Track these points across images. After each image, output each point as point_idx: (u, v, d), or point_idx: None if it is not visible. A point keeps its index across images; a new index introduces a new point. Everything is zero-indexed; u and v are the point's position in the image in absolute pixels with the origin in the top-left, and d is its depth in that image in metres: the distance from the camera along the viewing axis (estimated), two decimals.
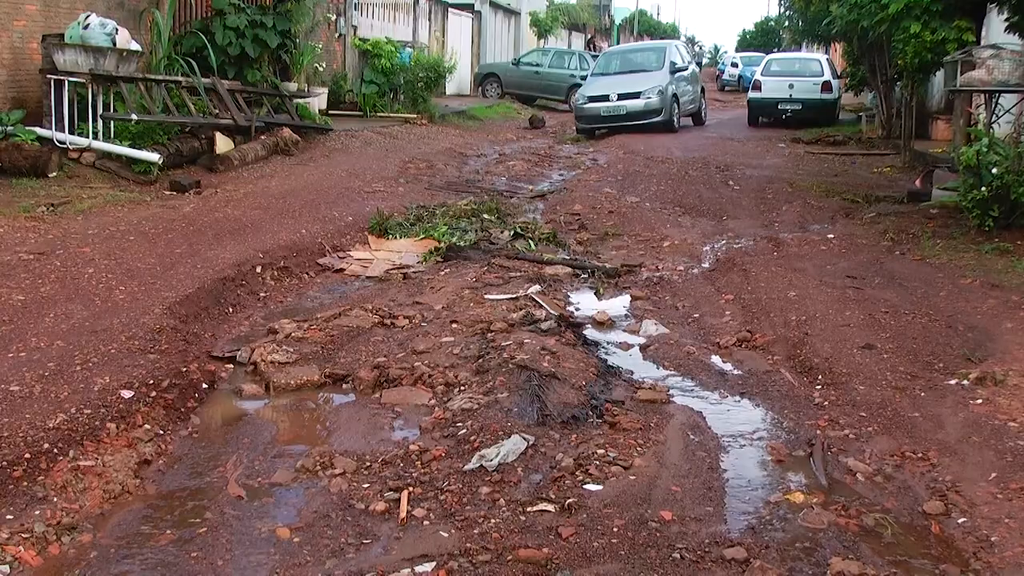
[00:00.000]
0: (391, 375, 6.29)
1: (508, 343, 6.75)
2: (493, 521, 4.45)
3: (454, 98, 29.91)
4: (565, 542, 4.25)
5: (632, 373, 6.67)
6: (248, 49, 15.42)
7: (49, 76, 11.92)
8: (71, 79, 11.86)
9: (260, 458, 5.19)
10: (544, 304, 7.90)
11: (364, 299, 8.05)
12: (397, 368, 6.37)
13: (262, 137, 14.67)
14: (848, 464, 5.23)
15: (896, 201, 13.42)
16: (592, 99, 22.92)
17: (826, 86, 26.90)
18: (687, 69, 24.82)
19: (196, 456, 5.23)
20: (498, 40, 40.63)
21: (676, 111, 23.33)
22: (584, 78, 32.35)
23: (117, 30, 12.50)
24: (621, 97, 22.51)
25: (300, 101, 17.14)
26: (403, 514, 4.54)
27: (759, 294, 8.33)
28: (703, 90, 26.89)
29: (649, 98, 22.48)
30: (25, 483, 4.49)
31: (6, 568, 3.96)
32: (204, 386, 6.07)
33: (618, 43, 64.29)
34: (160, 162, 12.13)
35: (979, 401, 5.87)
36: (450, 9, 32.35)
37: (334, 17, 21.46)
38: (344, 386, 6.28)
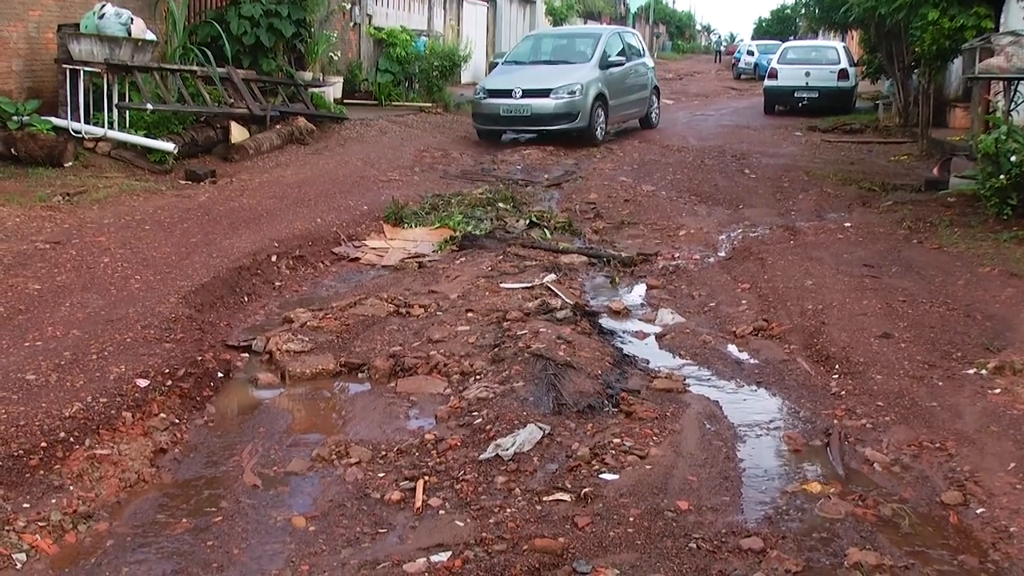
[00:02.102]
0: (406, 364, 6.28)
1: (524, 332, 6.73)
2: (509, 510, 4.44)
3: (469, 87, 29.79)
4: (581, 531, 4.24)
5: (648, 362, 6.65)
6: (263, 38, 15.42)
7: (64, 66, 11.94)
8: (86, 69, 11.88)
9: (276, 447, 5.19)
10: (560, 293, 7.88)
11: (379, 288, 8.04)
12: (412, 357, 6.37)
13: (277, 126, 14.67)
14: (865, 454, 5.20)
15: (913, 189, 13.34)
16: (492, 93, 17.82)
17: (843, 74, 26.77)
18: (625, 64, 19.45)
19: (212, 445, 5.24)
20: (513, 29, 40.53)
21: (602, 117, 18.26)
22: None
23: (132, 20, 12.52)
24: (527, 94, 17.47)
25: (315, 90, 17.14)
26: (419, 503, 4.53)
27: (775, 283, 8.29)
28: (657, 90, 22.04)
29: (560, 98, 17.42)
30: (42, 472, 4.50)
31: (23, 556, 3.97)
32: (220, 375, 6.07)
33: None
34: (175, 151, 12.14)
35: (997, 391, 5.83)
36: (465, 0, 32.28)
37: (349, 6, 21.43)
38: (359, 375, 6.28)
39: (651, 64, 21.93)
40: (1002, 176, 9.88)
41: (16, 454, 4.49)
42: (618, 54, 19.31)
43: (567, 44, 19.79)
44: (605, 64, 18.55)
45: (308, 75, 17.41)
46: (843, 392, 6.04)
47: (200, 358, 6.04)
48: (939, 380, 6.06)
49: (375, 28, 22.71)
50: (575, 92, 17.46)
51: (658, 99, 22.19)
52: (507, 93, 17.64)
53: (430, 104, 21.56)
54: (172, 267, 7.66)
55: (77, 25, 12.23)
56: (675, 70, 54.72)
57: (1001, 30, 13.60)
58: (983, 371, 6.13)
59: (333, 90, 18.56)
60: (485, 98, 17.91)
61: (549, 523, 4.32)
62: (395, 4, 24.87)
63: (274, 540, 4.24)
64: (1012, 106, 12.04)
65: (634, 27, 65.38)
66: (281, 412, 5.74)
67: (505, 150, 17.05)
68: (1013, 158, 9.70)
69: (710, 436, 5.37)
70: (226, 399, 5.88)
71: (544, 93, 17.45)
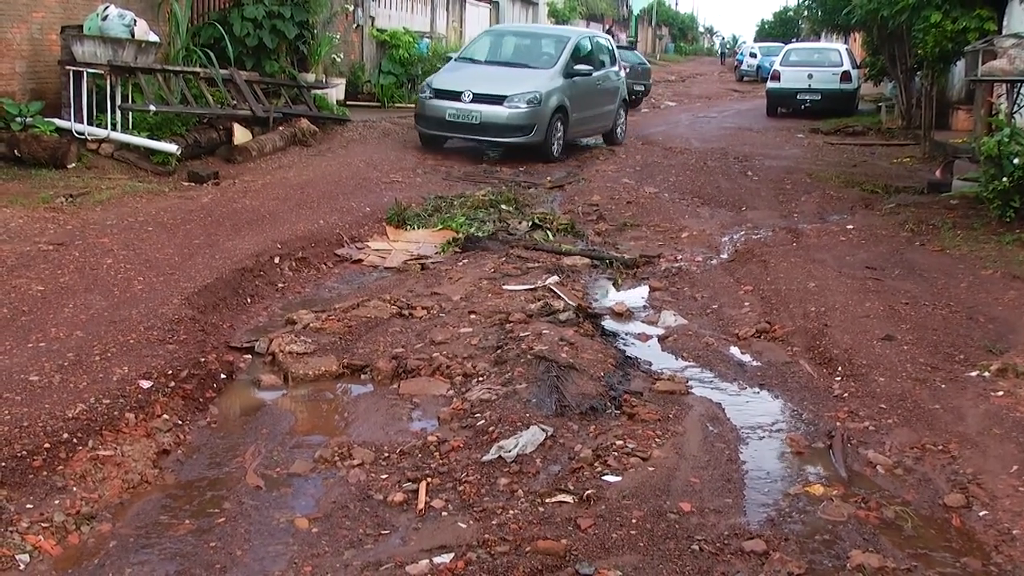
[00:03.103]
0: (409, 366, 6.29)
1: (526, 334, 6.73)
2: (511, 512, 4.44)
3: None
4: (584, 533, 4.24)
5: (651, 364, 6.65)
6: (266, 40, 15.43)
7: (68, 67, 11.95)
8: (90, 70, 11.88)
9: (278, 448, 5.19)
10: (562, 295, 7.89)
11: (382, 290, 8.05)
12: (415, 359, 6.37)
13: (280, 128, 14.67)
14: (868, 456, 5.21)
15: (916, 192, 13.36)
16: (440, 94, 15.65)
17: (845, 76, 26.79)
18: (593, 73, 17.25)
19: (214, 446, 5.24)
20: None
21: (560, 131, 16.14)
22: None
23: (135, 21, 12.52)
24: (478, 99, 15.31)
25: (318, 92, 17.14)
26: (421, 505, 4.53)
27: (778, 285, 8.30)
28: (626, 102, 19.69)
29: (516, 107, 15.26)
30: (45, 473, 4.50)
31: (26, 557, 3.98)
32: (222, 376, 6.07)
33: (635, 35, 63.71)
34: (178, 153, 12.14)
35: (1000, 393, 5.84)
36: (468, 1, 32.28)
37: (352, 8, 21.43)
38: (362, 377, 6.28)
39: (622, 74, 19.91)
40: (1005, 178, 9.88)
41: (19, 455, 4.50)
42: (586, 61, 17.23)
43: (530, 45, 17.62)
44: (570, 72, 16.42)
45: (311, 77, 17.41)
46: (845, 394, 6.05)
47: (203, 359, 6.05)
48: (942, 382, 6.06)
49: (378, 30, 22.71)
50: (533, 101, 15.32)
51: (626, 113, 19.85)
52: (456, 95, 15.47)
53: None
54: (175, 268, 7.67)
55: (80, 27, 12.24)
56: (678, 72, 54.74)
57: (1004, 32, 13.59)
58: (986, 373, 6.14)
59: (336, 92, 18.56)
60: (431, 98, 15.71)
61: (552, 525, 4.33)
62: (398, 6, 24.87)
63: (277, 541, 4.24)
64: (1015, 108, 12.04)
65: (636, 29, 65.53)
66: (284, 413, 5.74)
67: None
68: (1016, 160, 9.71)
69: (712, 438, 5.37)
70: (229, 400, 5.88)
71: (497, 100, 15.30)
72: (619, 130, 19.16)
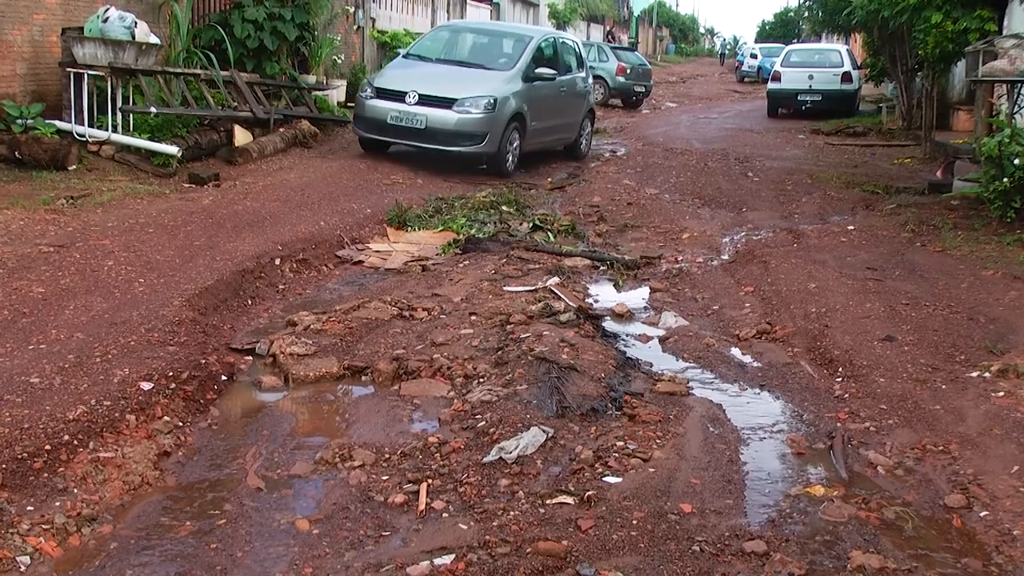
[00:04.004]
0: (410, 367, 6.29)
1: (527, 335, 6.74)
2: (512, 513, 4.44)
3: None
4: (584, 535, 4.24)
5: (651, 365, 6.65)
6: (266, 42, 15.42)
7: (68, 69, 11.95)
8: (90, 72, 11.88)
9: (279, 450, 5.19)
10: (563, 296, 7.89)
11: (383, 291, 8.05)
12: (416, 360, 6.37)
13: (281, 130, 14.67)
14: (868, 457, 5.21)
15: (917, 192, 13.36)
16: (382, 94, 14.06)
17: (846, 77, 26.82)
18: (557, 78, 15.62)
19: (215, 448, 5.24)
20: None
21: (516, 142, 14.47)
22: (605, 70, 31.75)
23: (136, 23, 12.52)
24: (425, 101, 13.66)
25: (319, 94, 17.14)
26: (422, 506, 4.54)
27: (779, 286, 8.30)
28: (592, 112, 17.93)
29: (466, 112, 13.60)
30: (46, 474, 4.50)
31: (27, 559, 3.98)
32: (223, 378, 6.07)
33: (635, 37, 63.57)
34: (179, 155, 12.14)
35: (1001, 393, 5.84)
36: (468, 1, 32.31)
37: (352, 9, 21.44)
38: (363, 378, 6.28)
39: (590, 80, 18.19)
40: (1005, 179, 9.88)
41: (20, 457, 4.50)
42: (549, 64, 15.59)
43: (488, 44, 15.82)
44: (531, 75, 14.80)
45: (312, 78, 17.41)
46: (846, 395, 6.05)
47: (204, 361, 6.05)
48: (942, 383, 6.06)
49: (378, 31, 22.72)
50: (486, 107, 13.68)
51: (592, 124, 18.13)
52: (400, 96, 13.80)
53: None
54: (176, 270, 7.67)
55: (81, 29, 12.24)
56: (678, 73, 54.78)
57: (1004, 33, 13.59)
58: (986, 374, 6.14)
59: (337, 93, 18.57)
60: (372, 98, 14.10)
61: (552, 526, 4.33)
62: (398, 7, 24.88)
63: (277, 543, 4.25)
64: (1015, 109, 12.04)
65: (637, 30, 65.47)
66: (285, 415, 5.74)
67: None
68: (1016, 161, 9.71)
69: (713, 439, 5.37)
70: (230, 402, 5.88)
71: (446, 103, 13.63)
72: (583, 142, 17.54)
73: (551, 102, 15.57)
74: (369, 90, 14.27)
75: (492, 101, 13.76)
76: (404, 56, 15.75)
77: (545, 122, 15.35)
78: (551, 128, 15.80)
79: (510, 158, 14.38)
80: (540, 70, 15.00)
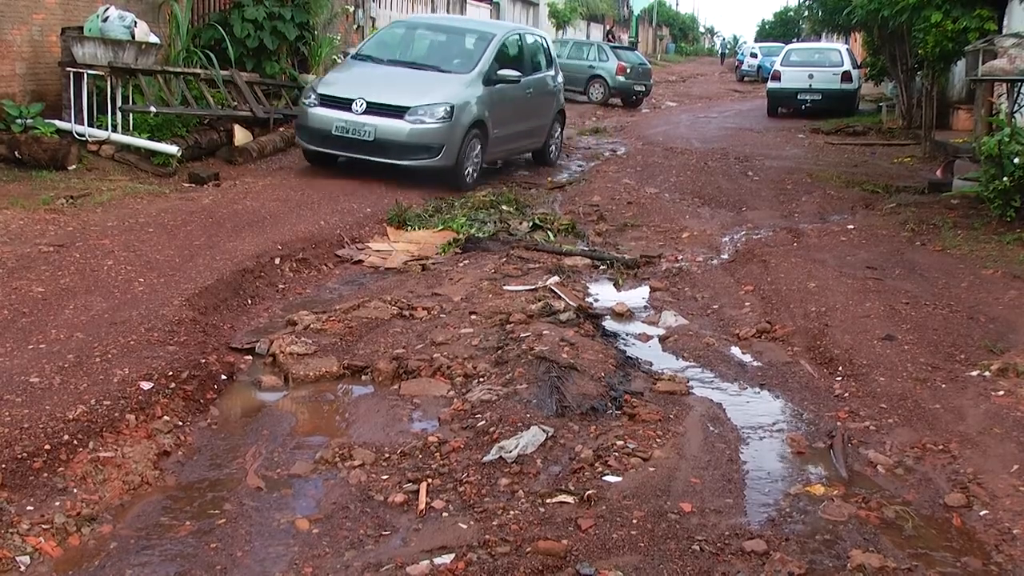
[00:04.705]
0: (410, 366, 6.29)
1: (527, 334, 6.74)
2: (512, 513, 4.44)
3: None
4: (584, 534, 4.24)
5: (651, 364, 6.66)
6: (266, 41, 15.42)
7: (68, 69, 11.95)
8: (90, 72, 11.88)
9: (279, 449, 5.19)
10: (563, 295, 7.89)
11: (383, 290, 8.05)
12: (416, 359, 6.37)
13: (281, 129, 14.67)
14: (868, 456, 5.21)
15: (916, 191, 13.36)
16: (326, 101, 12.63)
17: (846, 76, 26.84)
18: (522, 80, 14.12)
19: (215, 447, 5.24)
20: None
21: (476, 151, 13.08)
22: (603, 70, 31.76)
23: (136, 23, 12.53)
24: (373, 109, 12.26)
25: None
26: (422, 505, 4.53)
27: (779, 285, 8.30)
28: (562, 115, 16.67)
29: (420, 121, 12.22)
30: (45, 474, 4.50)
31: (27, 559, 3.98)
32: (223, 378, 6.07)
33: (635, 36, 63.48)
34: (179, 154, 12.14)
35: (1000, 392, 5.84)
36: (468, 1, 32.32)
37: (352, 9, 21.45)
38: (363, 377, 6.28)
39: (560, 79, 16.65)
40: (1005, 178, 9.89)
41: (20, 457, 4.50)
42: (514, 64, 14.23)
43: (447, 43, 14.33)
44: (493, 78, 13.41)
45: (312, 78, 17.38)
46: (846, 394, 6.05)
47: (204, 361, 6.05)
48: (942, 382, 6.06)
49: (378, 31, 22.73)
50: (442, 115, 12.31)
51: (562, 127, 16.88)
52: (346, 104, 12.40)
53: None
54: (176, 270, 7.67)
55: (81, 28, 12.24)
56: (678, 72, 54.80)
57: (1004, 32, 13.59)
58: (986, 373, 6.14)
59: None
60: (315, 106, 12.65)
61: (552, 525, 4.33)
62: (398, 6, 24.89)
63: (277, 542, 4.25)
64: (1015, 108, 12.04)
65: (637, 29, 65.38)
66: (285, 415, 5.74)
67: None
68: (1016, 160, 9.71)
69: (713, 438, 5.37)
70: (230, 402, 5.88)
71: (397, 111, 12.25)
72: (553, 148, 16.26)
73: (516, 106, 14.18)
74: (312, 96, 12.80)
75: (449, 109, 12.38)
76: (353, 57, 14.25)
77: (510, 128, 14.03)
78: (517, 134, 14.54)
79: (470, 170, 12.96)
80: (503, 71, 13.62)
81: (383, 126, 12.16)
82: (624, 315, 7.84)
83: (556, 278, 8.47)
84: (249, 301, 7.67)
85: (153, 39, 12.89)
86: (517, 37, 15.10)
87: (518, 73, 13.89)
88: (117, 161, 12.00)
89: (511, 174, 14.89)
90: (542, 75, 15.51)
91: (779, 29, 68.37)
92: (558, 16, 43.70)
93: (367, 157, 12.37)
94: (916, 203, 12.24)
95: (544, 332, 6.77)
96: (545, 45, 16.33)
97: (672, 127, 23.34)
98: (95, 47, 11.96)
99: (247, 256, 8.25)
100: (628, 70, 30.34)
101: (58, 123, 11.84)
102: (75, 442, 4.75)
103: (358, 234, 9.90)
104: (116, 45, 12.10)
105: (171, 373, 5.68)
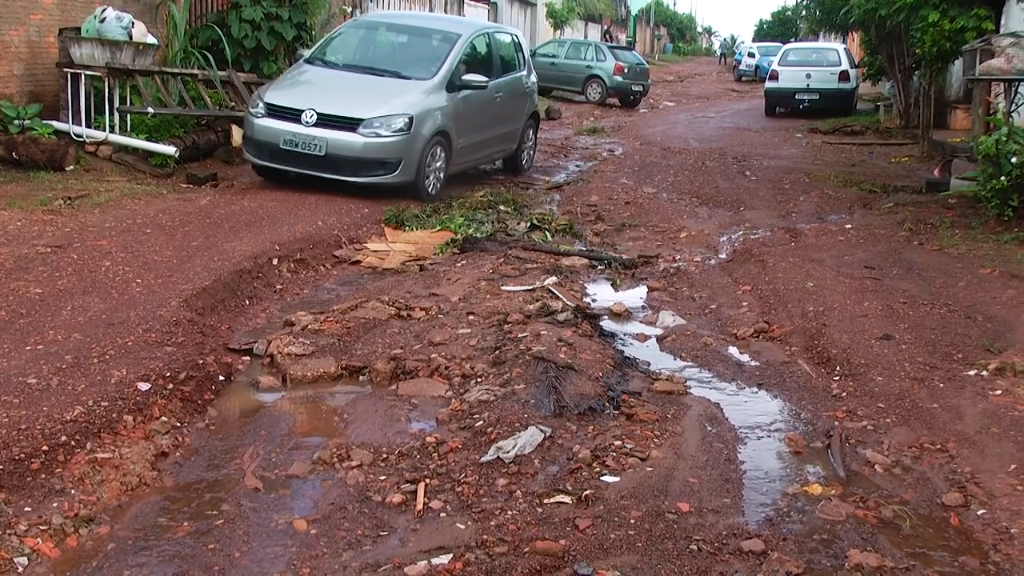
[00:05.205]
0: (408, 367, 6.28)
1: (525, 334, 6.73)
2: (510, 513, 4.44)
3: None
4: (582, 534, 4.24)
5: (649, 364, 6.66)
6: (264, 42, 15.42)
7: (66, 70, 11.95)
8: (87, 73, 11.88)
9: (277, 450, 5.19)
10: (561, 295, 7.89)
11: (380, 291, 8.04)
12: (414, 360, 6.37)
13: None
14: (866, 456, 5.21)
15: (914, 191, 13.37)
16: (274, 112, 11.51)
17: (844, 76, 26.87)
18: (490, 83, 12.97)
19: (213, 448, 5.24)
20: None
21: (439, 162, 12.01)
22: (599, 71, 31.80)
23: (133, 23, 12.53)
24: (325, 121, 11.22)
25: None
26: (420, 506, 4.53)
27: (776, 285, 8.30)
28: (536, 117, 15.54)
29: (376, 135, 11.19)
30: (43, 475, 4.50)
31: (24, 560, 3.98)
32: (221, 378, 6.07)
33: (633, 36, 63.47)
34: (177, 155, 12.14)
35: (998, 392, 5.84)
36: (466, 0, 32.31)
37: (350, 9, 21.44)
38: (361, 378, 6.27)
39: (533, 79, 15.31)
40: (1003, 177, 9.89)
41: (17, 458, 4.49)
42: (482, 67, 13.06)
43: (408, 44, 13.19)
44: (456, 84, 12.30)
45: None
46: (844, 394, 6.05)
47: (201, 361, 6.04)
48: (940, 381, 6.06)
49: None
50: (400, 128, 11.25)
51: (535, 131, 15.72)
52: (295, 115, 11.33)
53: None
54: (173, 270, 7.67)
55: (78, 29, 12.24)
56: (676, 72, 54.82)
57: (1001, 31, 13.62)
58: (984, 372, 6.14)
59: None
60: (262, 116, 11.54)
61: (550, 525, 4.33)
62: (395, 7, 24.87)
63: (275, 543, 4.24)
64: (1013, 107, 12.05)
65: (635, 29, 65.35)
66: (282, 415, 5.74)
67: None
68: (1014, 159, 9.71)
69: (711, 438, 5.37)
70: (227, 402, 5.88)
71: (351, 124, 11.22)
72: (525, 155, 15.16)
73: (484, 112, 13.09)
74: (260, 106, 11.64)
75: (408, 120, 11.31)
76: (306, 61, 12.93)
77: (477, 136, 12.96)
78: (485, 142, 13.42)
79: (432, 183, 11.91)
80: (469, 77, 12.46)
81: (335, 140, 11.14)
82: (622, 315, 7.84)
83: (554, 278, 8.47)
84: (247, 302, 7.67)
85: (150, 40, 12.89)
86: (485, 37, 13.86)
87: (484, 78, 12.70)
88: (115, 162, 12.00)
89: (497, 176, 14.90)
90: (513, 76, 14.34)
91: (777, 29, 68.37)
92: (556, 16, 43.66)
93: (318, 173, 11.35)
94: (914, 203, 12.25)
95: (542, 332, 6.77)
96: (517, 42, 15.16)
97: (670, 127, 23.36)
98: (92, 48, 11.96)
99: (245, 257, 8.25)
100: (626, 70, 30.38)
101: (56, 124, 11.84)
102: (73, 443, 4.74)
103: (356, 234, 9.90)
104: (113, 46, 12.10)
105: (169, 374, 5.68)
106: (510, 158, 14.80)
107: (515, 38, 15.22)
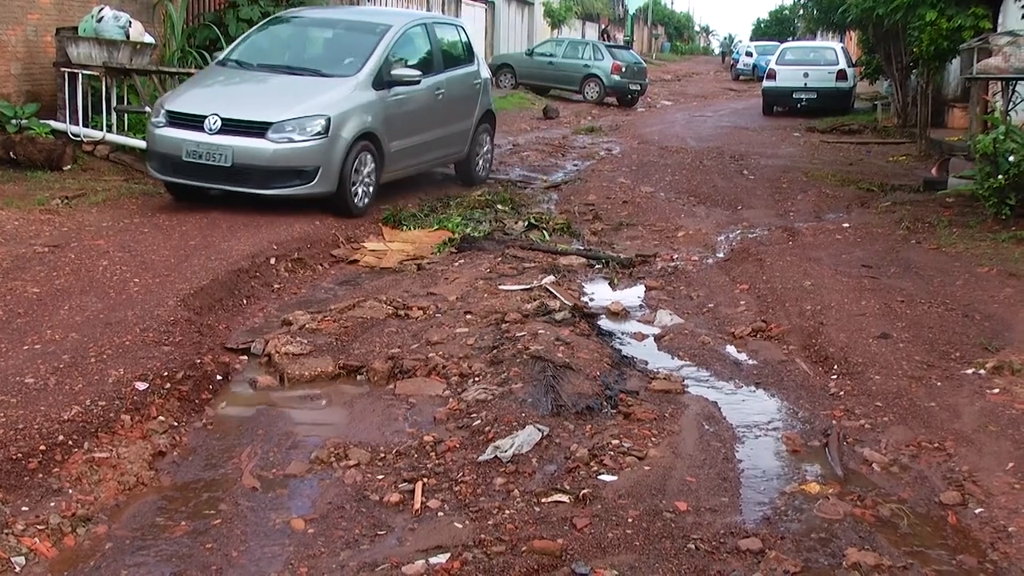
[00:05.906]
0: (405, 366, 6.28)
1: (522, 334, 6.73)
2: (507, 512, 4.44)
3: None
4: (580, 533, 4.24)
5: (647, 363, 6.65)
6: None
7: (63, 69, 11.95)
8: (85, 72, 11.88)
9: (274, 449, 5.18)
10: (558, 295, 7.88)
11: (378, 290, 8.04)
12: (411, 359, 6.37)
13: None
14: (864, 454, 5.21)
15: (912, 190, 13.38)
16: (176, 120, 10.14)
17: (841, 75, 26.89)
18: (428, 80, 11.75)
19: (210, 448, 5.23)
20: (511, 31, 40.59)
21: (368, 169, 10.63)
22: (597, 69, 31.83)
23: (130, 23, 12.53)
24: (229, 127, 9.89)
25: None
26: (417, 505, 4.53)
27: (774, 284, 8.30)
28: (490, 117, 13.95)
29: (289, 139, 9.87)
30: (40, 475, 4.50)
31: (22, 559, 3.97)
32: (218, 378, 6.07)
33: (631, 35, 63.43)
34: None
35: (996, 390, 5.84)
36: (463, 1, 32.30)
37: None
38: (358, 377, 6.27)
39: (485, 74, 13.86)
40: (1000, 176, 9.89)
41: (15, 457, 4.49)
42: (418, 63, 11.86)
43: (333, 41, 11.97)
44: (386, 80, 10.99)
45: None
46: (841, 392, 6.05)
47: (199, 361, 6.04)
48: (937, 380, 6.06)
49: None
50: (316, 131, 9.96)
51: (491, 134, 14.07)
52: (198, 122, 9.98)
53: None
54: (171, 270, 7.66)
55: (75, 28, 12.24)
56: (674, 71, 54.86)
57: (999, 30, 13.63)
58: (981, 371, 6.14)
59: None
60: (163, 126, 10.17)
61: (548, 524, 4.32)
62: (392, 6, 24.87)
63: (273, 543, 4.24)
64: (1010, 106, 12.06)
65: (632, 28, 65.30)
66: (280, 414, 5.73)
67: (499, 151, 17.01)
68: (1011, 158, 9.71)
69: (709, 437, 5.37)
70: (225, 402, 5.87)
71: (259, 129, 9.88)
72: (480, 160, 13.57)
73: (422, 112, 11.75)
74: (161, 116, 10.25)
75: (325, 122, 10.01)
76: (218, 63, 11.63)
77: (414, 139, 11.57)
78: (425, 146, 11.92)
79: (360, 193, 10.57)
80: (399, 71, 11.15)
81: (241, 148, 9.80)
82: (620, 314, 7.83)
83: (551, 277, 8.47)
84: (244, 301, 7.67)
85: (148, 39, 12.89)
86: (422, 28, 12.45)
87: (418, 72, 11.44)
88: (112, 161, 12.00)
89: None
90: (459, 72, 12.86)
91: (774, 28, 68.50)
92: (553, 15, 43.68)
93: (225, 187, 10.05)
94: (911, 201, 12.25)
95: (539, 331, 6.77)
96: (462, 36, 13.58)
97: (667, 126, 23.36)
98: (90, 47, 11.96)
99: (242, 256, 8.25)
100: (623, 69, 30.40)
101: (53, 123, 11.84)
102: (70, 443, 4.74)
103: (353, 234, 9.89)
104: (111, 45, 12.09)
105: (166, 373, 5.68)
106: (462, 163, 13.30)
107: (461, 31, 13.78)
